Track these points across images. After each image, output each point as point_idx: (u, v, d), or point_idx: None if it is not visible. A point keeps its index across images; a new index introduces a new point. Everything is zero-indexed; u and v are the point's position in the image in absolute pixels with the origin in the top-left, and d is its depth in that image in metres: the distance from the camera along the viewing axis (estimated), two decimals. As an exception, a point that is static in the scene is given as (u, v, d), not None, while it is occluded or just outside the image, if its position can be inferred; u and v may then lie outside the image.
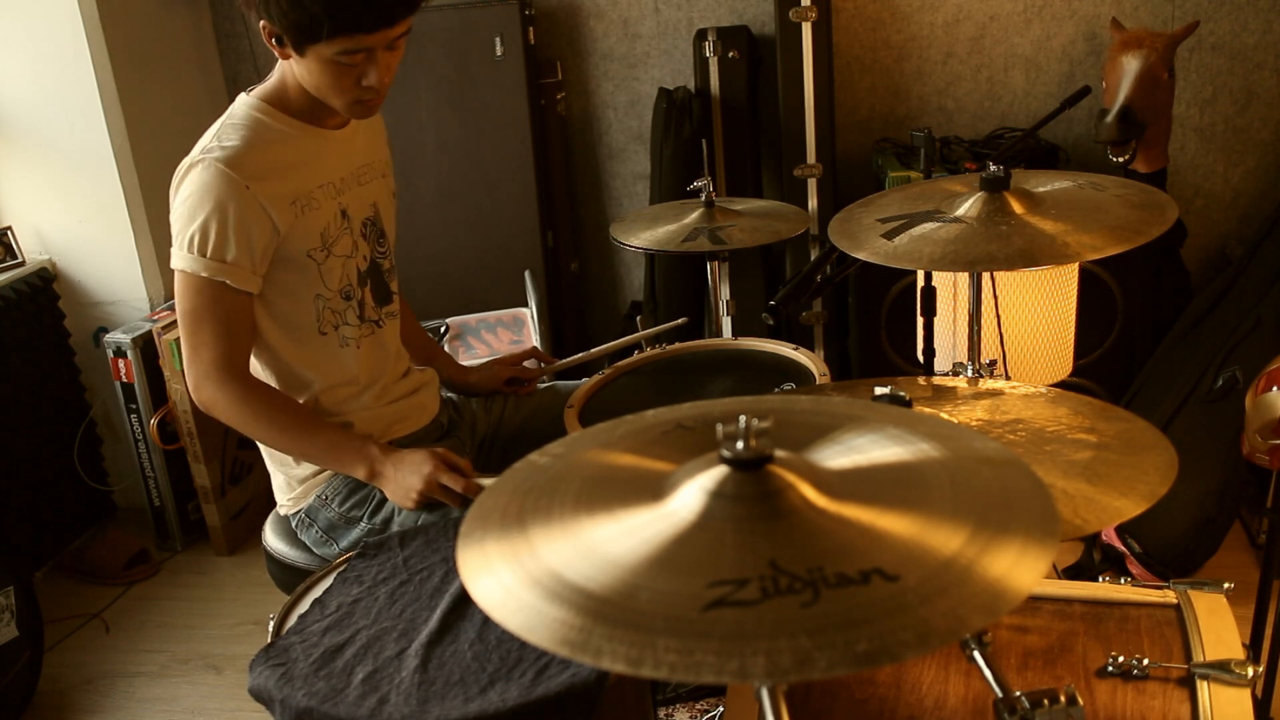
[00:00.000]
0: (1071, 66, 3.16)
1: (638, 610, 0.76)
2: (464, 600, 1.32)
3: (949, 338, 2.31)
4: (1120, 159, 2.77)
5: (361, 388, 1.80)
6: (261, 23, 1.57)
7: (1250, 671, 1.14)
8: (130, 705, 2.50)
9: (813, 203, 3.12)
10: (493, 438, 2.02)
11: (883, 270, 2.37)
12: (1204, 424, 2.48)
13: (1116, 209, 1.47)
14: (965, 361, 1.67)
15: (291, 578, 1.79)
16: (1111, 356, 2.90)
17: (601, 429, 1.06)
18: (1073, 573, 2.53)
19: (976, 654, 1.01)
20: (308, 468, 1.79)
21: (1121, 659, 1.19)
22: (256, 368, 1.75)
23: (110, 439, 3.24)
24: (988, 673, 0.99)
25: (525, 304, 3.13)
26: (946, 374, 1.55)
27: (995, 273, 2.16)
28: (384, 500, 1.74)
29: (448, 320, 3.05)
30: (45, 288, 3.04)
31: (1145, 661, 1.18)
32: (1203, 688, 1.15)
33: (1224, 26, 3.05)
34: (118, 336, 2.93)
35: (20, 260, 3.02)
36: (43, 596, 2.62)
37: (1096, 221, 1.43)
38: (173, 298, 1.69)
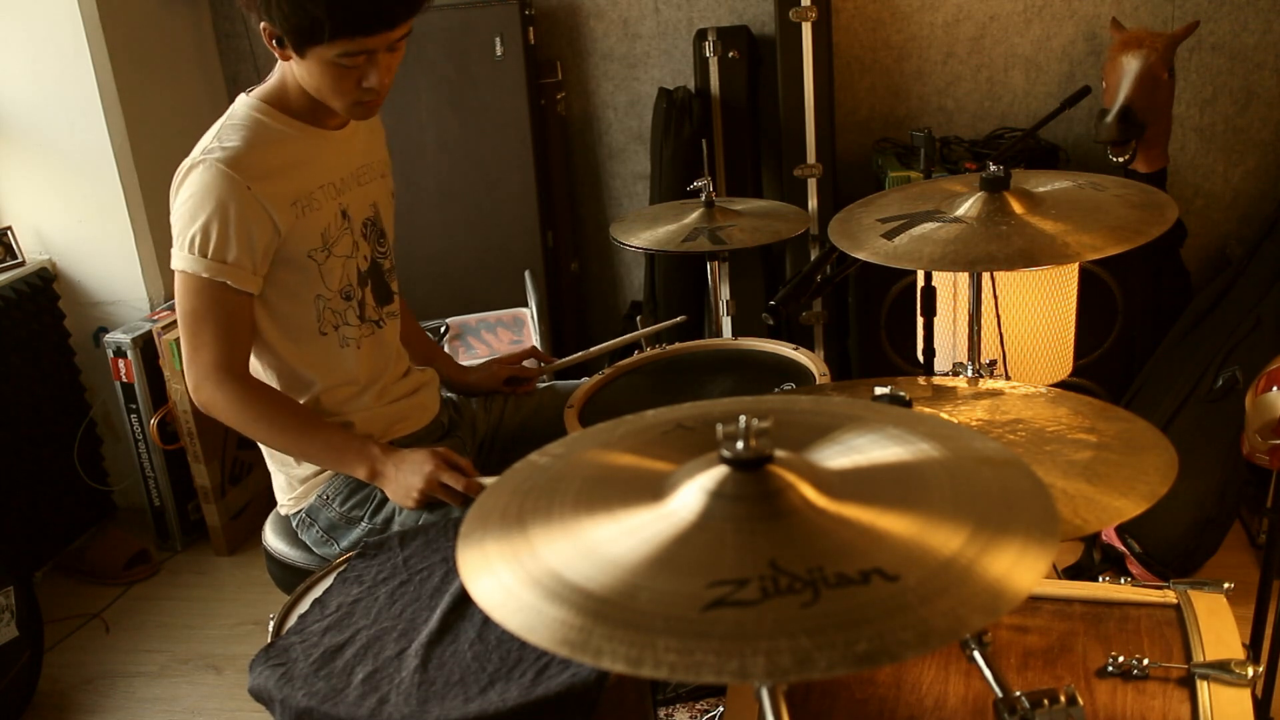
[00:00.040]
0: (1071, 66, 3.16)
1: (638, 610, 0.76)
2: (464, 600, 1.32)
3: (949, 338, 2.31)
4: (1120, 159, 2.77)
5: (362, 388, 1.80)
6: (262, 24, 1.57)
7: (1250, 671, 1.14)
8: (130, 705, 2.50)
9: (813, 203, 3.12)
10: (492, 437, 2.02)
11: (883, 270, 2.37)
12: (1204, 424, 2.48)
13: (1116, 209, 1.47)
14: (965, 361, 1.67)
15: (291, 578, 1.79)
16: (1111, 356, 2.90)
17: (601, 429, 1.06)
18: (1073, 573, 2.53)
19: (976, 654, 1.01)
20: (309, 467, 1.79)
21: (1121, 659, 1.19)
22: (257, 368, 1.75)
23: (110, 439, 3.24)
24: (988, 673, 0.99)
25: (525, 304, 3.13)
26: (946, 374, 1.55)
27: (995, 273, 2.16)
28: (385, 500, 1.74)
29: (448, 320, 3.05)
30: (45, 288, 3.04)
31: (1145, 661, 1.18)
32: (1203, 688, 1.15)
33: (1224, 26, 3.05)
34: (118, 336, 2.93)
35: (20, 260, 3.02)
36: (43, 596, 2.62)
37: (1096, 221, 1.43)
38: (173, 298, 1.69)
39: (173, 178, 1.65)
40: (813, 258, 2.30)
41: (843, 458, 0.93)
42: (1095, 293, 2.80)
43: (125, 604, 2.88)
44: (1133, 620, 1.28)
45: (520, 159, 3.22)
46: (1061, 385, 1.86)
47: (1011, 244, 1.41)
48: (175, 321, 1.70)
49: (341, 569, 1.47)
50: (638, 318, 2.23)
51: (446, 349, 2.95)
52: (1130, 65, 2.70)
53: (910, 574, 0.77)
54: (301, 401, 1.75)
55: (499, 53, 3.13)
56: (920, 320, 2.06)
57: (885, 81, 3.26)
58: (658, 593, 0.78)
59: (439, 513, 1.68)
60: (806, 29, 2.99)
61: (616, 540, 0.84)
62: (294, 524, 1.83)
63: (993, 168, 1.53)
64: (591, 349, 2.16)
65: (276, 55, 1.63)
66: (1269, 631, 1.81)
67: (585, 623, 0.76)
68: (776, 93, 3.07)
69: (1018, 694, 0.94)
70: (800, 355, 2.03)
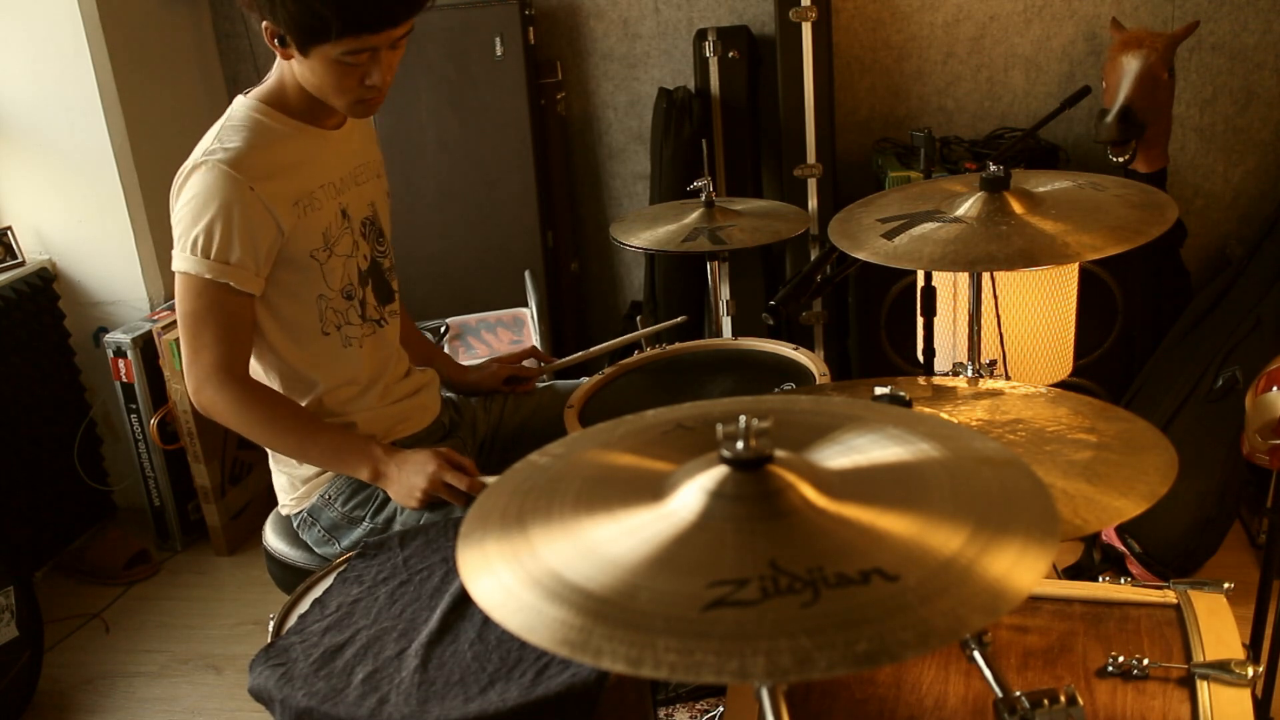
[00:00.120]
0: (1071, 66, 3.16)
1: (638, 610, 0.76)
2: (464, 600, 1.32)
3: (949, 338, 2.31)
4: (1120, 159, 2.77)
5: (364, 388, 1.80)
6: (264, 23, 1.57)
7: (1250, 671, 1.14)
8: (130, 705, 2.50)
9: (813, 203, 3.12)
10: (492, 437, 2.02)
11: (883, 270, 2.37)
12: (1204, 424, 2.48)
13: (1116, 209, 1.47)
14: (965, 361, 1.67)
15: (291, 578, 1.79)
16: (1111, 356, 2.90)
17: (601, 429, 1.06)
18: (1073, 573, 2.53)
19: (976, 654, 1.01)
20: (311, 468, 1.79)
21: (1121, 659, 1.19)
22: (258, 371, 1.75)
23: (110, 439, 3.24)
24: (988, 673, 0.99)
25: (525, 304, 3.13)
26: (946, 374, 1.55)
27: (995, 273, 2.16)
28: (387, 500, 1.74)
29: (448, 320, 3.05)
30: (45, 288, 3.04)
31: (1145, 661, 1.18)
32: (1203, 688, 1.15)
33: (1224, 26, 3.05)
34: (118, 336, 2.93)
35: (20, 260, 3.02)
36: (43, 596, 2.62)
37: (1096, 221, 1.43)
38: (173, 298, 1.69)
39: (173, 179, 1.65)
40: (813, 258, 2.30)
41: (843, 458, 0.93)
42: (1095, 293, 2.80)
43: (125, 604, 2.88)
44: (1133, 620, 1.28)
45: (520, 159, 3.22)
46: (1061, 385, 1.86)
47: (1011, 244, 1.41)
48: (175, 321, 1.70)
49: (341, 569, 1.47)
50: (638, 318, 2.23)
51: (446, 349, 2.96)
52: (1130, 65, 2.70)
53: (910, 574, 0.77)
54: (304, 403, 1.75)
55: (499, 53, 3.13)
56: (920, 320, 2.06)
57: (885, 81, 3.26)
58: (658, 593, 0.78)
59: (440, 512, 1.68)
60: (806, 29, 2.99)
61: (616, 540, 0.84)
62: (295, 524, 1.83)
63: (993, 168, 1.53)
64: (591, 349, 2.16)
65: (277, 54, 1.63)
66: (1269, 631, 1.81)
67: (585, 623, 0.76)
68: (776, 93, 3.07)
69: (1018, 694, 0.94)
70: (800, 355, 2.03)
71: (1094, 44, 3.12)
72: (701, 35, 3.17)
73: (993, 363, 1.62)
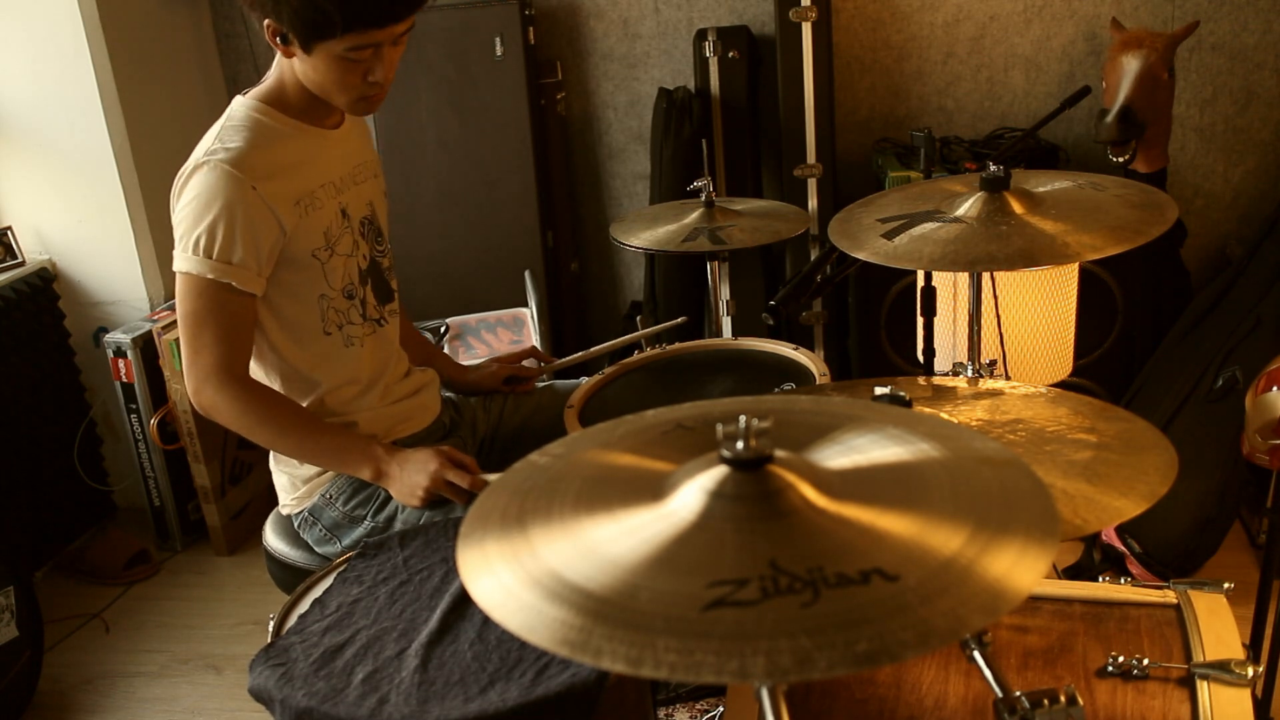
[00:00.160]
0: (1071, 66, 3.16)
1: (638, 610, 0.76)
2: (464, 600, 1.32)
3: (949, 338, 2.31)
4: (1120, 159, 2.77)
5: (365, 387, 1.80)
6: (266, 21, 1.57)
7: (1250, 671, 1.14)
8: (130, 705, 2.50)
9: (813, 203, 3.12)
10: (492, 437, 2.02)
11: (883, 270, 2.37)
12: (1204, 424, 2.48)
13: (1116, 209, 1.47)
14: (965, 361, 1.67)
15: (291, 578, 1.79)
16: (1111, 356, 2.90)
17: (601, 429, 1.06)
18: (1073, 573, 2.53)
19: (976, 654, 1.01)
20: (312, 467, 1.79)
21: (1121, 659, 1.19)
22: (260, 371, 1.74)
23: (110, 439, 3.24)
24: (988, 673, 0.99)
25: (525, 304, 3.13)
26: (946, 374, 1.55)
27: (995, 273, 2.16)
28: (388, 499, 1.74)
29: (448, 320, 3.05)
30: (45, 288, 3.04)
31: (1145, 661, 1.18)
32: (1203, 688, 1.15)
33: (1224, 26, 3.05)
34: (118, 336, 2.93)
35: (20, 260, 3.02)
36: (43, 596, 2.63)
37: (1096, 221, 1.43)
38: (173, 298, 1.69)
39: (174, 180, 1.64)
40: (813, 258, 2.30)
41: (843, 458, 0.93)
42: (1095, 293, 2.80)
43: (125, 604, 2.88)
44: (1133, 620, 1.28)
45: (520, 159, 3.22)
46: (1061, 385, 1.86)
47: (1011, 244, 1.41)
48: (175, 322, 1.70)
49: (341, 569, 1.47)
50: (638, 318, 2.23)
51: (446, 349, 2.96)
52: (1130, 65, 2.70)
53: (910, 574, 0.77)
54: (305, 403, 1.75)
55: (499, 53, 3.13)
56: (920, 320, 2.06)
57: (885, 81, 3.26)
58: (658, 593, 0.78)
59: (439, 511, 1.68)
60: (806, 29, 2.99)
61: (616, 540, 0.84)
62: (296, 523, 1.83)
63: (993, 168, 1.53)
64: (591, 349, 2.16)
65: (279, 52, 1.63)
66: (1269, 631, 1.81)
67: (585, 623, 0.76)
68: (776, 93, 3.07)
69: (1018, 694, 0.94)
70: (800, 355, 2.03)
71: (1094, 44, 3.12)
72: (701, 35, 3.17)
73: (993, 363, 1.62)
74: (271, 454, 1.82)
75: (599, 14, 3.33)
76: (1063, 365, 2.34)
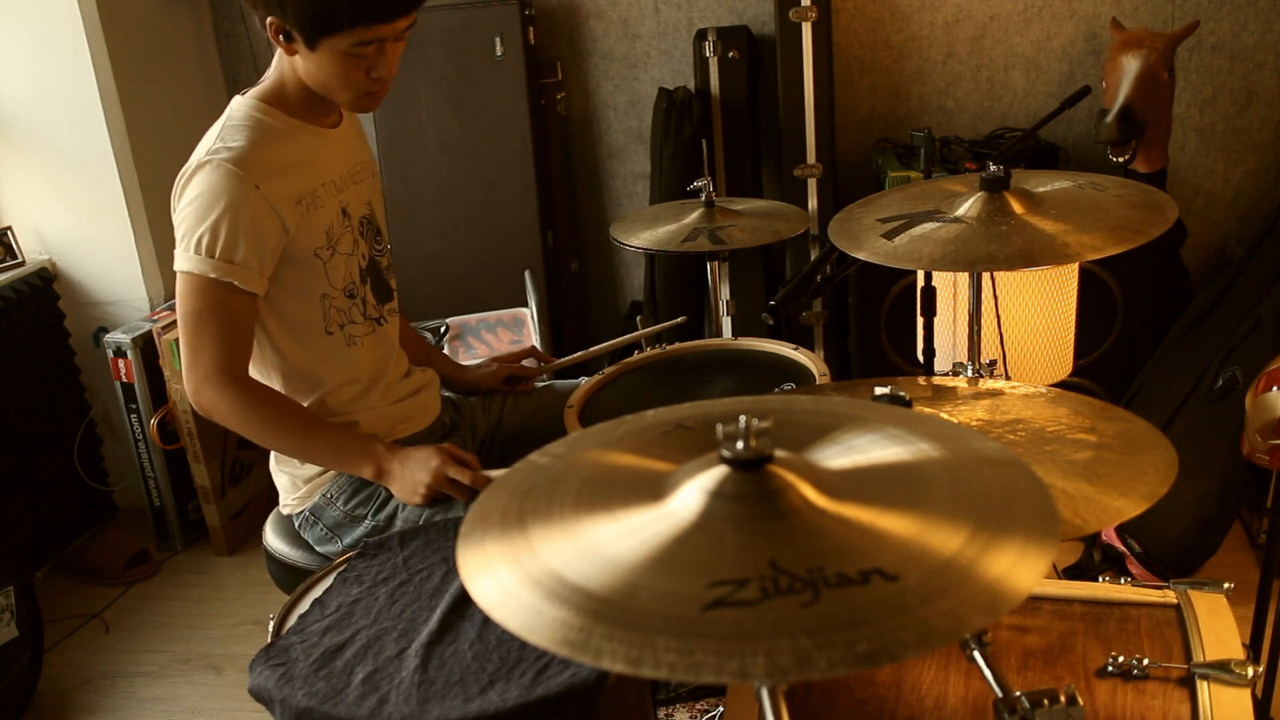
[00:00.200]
0: (1071, 66, 3.16)
1: (638, 610, 0.76)
2: (464, 600, 1.32)
3: (949, 338, 2.31)
4: (1120, 159, 2.77)
5: (366, 387, 1.80)
6: (269, 19, 1.57)
7: (1250, 671, 1.14)
8: (130, 705, 2.50)
9: (813, 203, 3.12)
10: (492, 437, 2.02)
11: (883, 270, 2.37)
12: (1204, 424, 2.48)
13: (1116, 209, 1.47)
14: (965, 361, 1.67)
15: (291, 577, 1.79)
16: (1111, 356, 2.90)
17: (601, 429, 1.06)
18: (1073, 573, 2.53)
19: (976, 654, 1.01)
20: (313, 467, 1.79)
21: (1121, 659, 1.19)
22: (260, 372, 1.74)
23: (110, 439, 3.24)
24: (988, 673, 0.99)
25: (525, 304, 3.13)
26: (946, 374, 1.55)
27: (995, 273, 2.16)
28: (389, 498, 1.74)
29: (448, 320, 3.05)
30: (45, 288, 3.04)
31: (1145, 661, 1.18)
32: (1203, 688, 1.15)
33: (1224, 26, 3.05)
34: (118, 336, 2.93)
35: (20, 260, 3.02)
36: (43, 596, 2.62)
37: (1096, 221, 1.43)
38: (173, 298, 1.69)
39: (174, 180, 1.64)
40: (813, 258, 2.30)
41: (843, 458, 0.93)
42: (1095, 293, 2.80)
43: (125, 604, 2.88)
44: (1133, 620, 1.28)
45: (520, 159, 3.22)
46: (1061, 385, 1.86)
47: (1011, 244, 1.41)
48: (175, 321, 1.69)
49: (341, 569, 1.47)
50: (638, 318, 2.23)
51: (446, 349, 2.96)
52: (1130, 65, 2.70)
53: (910, 574, 0.77)
54: (307, 403, 1.75)
55: (499, 53, 3.13)
56: (920, 320, 2.06)
57: (885, 81, 3.26)
58: (658, 593, 0.78)
59: (440, 508, 1.68)
60: (806, 29, 2.99)
61: (616, 540, 0.84)
62: (297, 523, 1.83)
63: (993, 168, 1.53)
64: (591, 349, 2.16)
65: (281, 50, 1.63)
66: (1269, 631, 1.81)
67: (585, 623, 0.76)
68: (776, 93, 3.08)
69: (1018, 694, 0.94)
70: (800, 355, 2.03)
71: (1094, 44, 3.12)
72: (701, 35, 3.17)
73: (993, 363, 1.62)
74: (273, 454, 1.82)
75: (599, 14, 3.33)
76: (1063, 365, 2.34)
